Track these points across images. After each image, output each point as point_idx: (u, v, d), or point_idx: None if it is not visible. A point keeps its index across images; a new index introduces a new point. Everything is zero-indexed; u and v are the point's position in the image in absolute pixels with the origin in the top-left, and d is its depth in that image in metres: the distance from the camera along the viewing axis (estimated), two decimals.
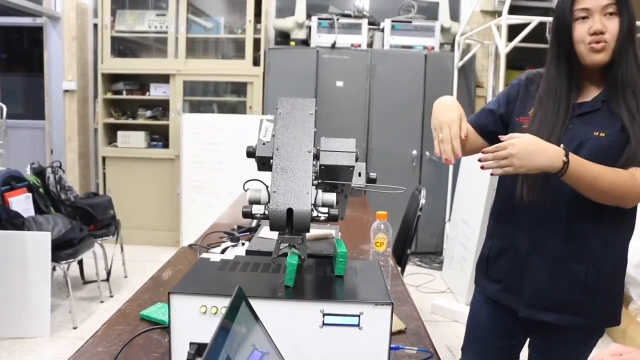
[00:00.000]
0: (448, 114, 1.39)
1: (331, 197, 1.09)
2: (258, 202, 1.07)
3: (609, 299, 1.45)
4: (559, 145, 1.28)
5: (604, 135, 1.34)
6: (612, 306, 1.47)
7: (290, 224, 1.02)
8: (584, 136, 1.36)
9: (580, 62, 1.38)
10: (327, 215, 1.06)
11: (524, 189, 1.41)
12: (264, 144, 1.13)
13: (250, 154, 1.14)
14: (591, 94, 1.42)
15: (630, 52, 1.34)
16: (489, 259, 1.59)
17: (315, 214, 1.05)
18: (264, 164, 1.13)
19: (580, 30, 1.35)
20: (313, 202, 1.05)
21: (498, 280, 1.56)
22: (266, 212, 1.03)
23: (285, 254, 1.08)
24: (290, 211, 1.01)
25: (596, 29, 1.31)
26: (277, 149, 1.08)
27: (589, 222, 1.38)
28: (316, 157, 1.11)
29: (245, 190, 1.10)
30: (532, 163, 1.24)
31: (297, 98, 1.15)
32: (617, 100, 1.35)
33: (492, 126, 1.55)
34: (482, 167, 1.31)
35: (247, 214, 1.07)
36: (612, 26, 1.32)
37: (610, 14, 1.32)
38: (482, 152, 1.29)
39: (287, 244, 1.06)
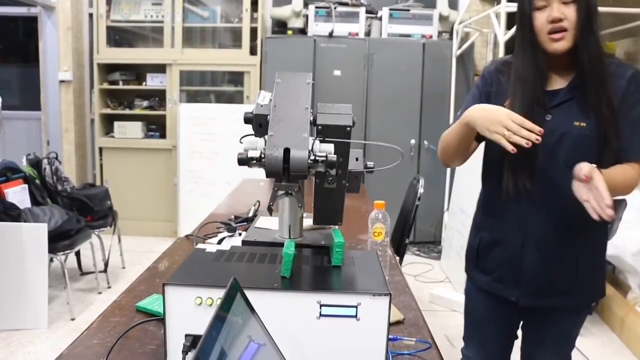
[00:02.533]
0: (497, 112, 1.31)
1: (329, 146, 1.07)
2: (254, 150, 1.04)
3: (597, 277, 1.53)
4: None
5: (584, 125, 1.36)
6: (598, 283, 1.54)
7: (287, 171, 0.99)
8: (565, 127, 1.38)
9: (544, 51, 1.39)
10: (324, 158, 1.03)
11: (510, 182, 1.43)
12: (261, 106, 1.13)
13: (248, 119, 1.13)
14: (562, 81, 1.42)
15: (592, 38, 1.34)
16: (479, 250, 1.61)
17: (312, 157, 1.02)
18: (261, 125, 1.11)
19: (540, 19, 1.36)
20: (310, 148, 1.02)
21: (490, 271, 1.58)
22: (262, 156, 1.00)
23: (282, 244, 1.06)
24: (287, 152, 0.98)
25: (554, 17, 1.33)
26: (275, 106, 1.09)
27: (577, 209, 1.37)
28: (313, 122, 1.10)
29: (242, 143, 1.08)
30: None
31: (295, 72, 1.17)
32: (588, 88, 1.36)
33: None
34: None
35: (243, 161, 1.04)
36: (570, 13, 1.33)
37: (567, 2, 1.33)
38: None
39: (283, 192, 1.01)
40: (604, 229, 1.53)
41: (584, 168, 1.26)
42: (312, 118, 1.11)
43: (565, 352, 1.64)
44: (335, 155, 1.04)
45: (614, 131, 1.34)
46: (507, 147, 1.26)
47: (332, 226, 1.49)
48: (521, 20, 1.42)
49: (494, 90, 1.50)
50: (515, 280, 1.51)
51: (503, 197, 1.47)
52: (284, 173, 0.99)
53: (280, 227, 1.35)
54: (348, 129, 1.12)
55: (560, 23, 1.33)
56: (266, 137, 1.02)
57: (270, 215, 1.13)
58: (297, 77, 1.18)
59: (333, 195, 1.27)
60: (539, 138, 1.24)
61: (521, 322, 1.68)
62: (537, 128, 1.25)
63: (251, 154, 1.03)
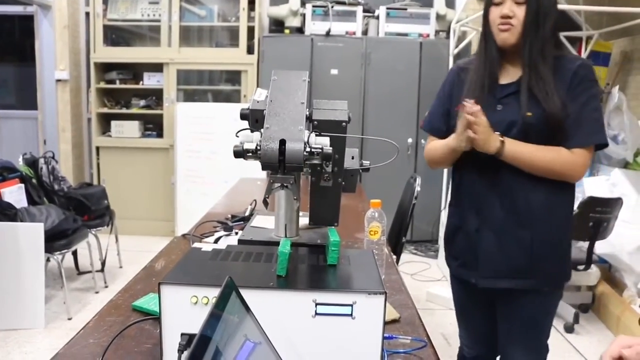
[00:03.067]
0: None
1: (324, 139, 1.06)
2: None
3: (556, 260, 1.58)
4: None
5: (530, 114, 1.47)
6: (560, 267, 1.60)
7: (282, 163, 0.99)
8: (513, 116, 1.50)
9: (496, 43, 1.53)
10: (320, 150, 1.03)
11: (464, 168, 1.62)
12: (258, 102, 1.14)
13: (244, 115, 1.14)
14: (514, 75, 1.54)
15: (536, 37, 1.47)
16: (447, 238, 1.75)
17: (308, 149, 1.02)
18: (257, 120, 1.13)
19: (494, 13, 1.52)
20: (306, 140, 1.02)
21: (456, 257, 1.72)
22: (258, 149, 1.00)
23: (278, 243, 1.06)
24: (282, 144, 0.98)
25: (503, 13, 1.48)
26: (271, 101, 1.10)
27: (529, 193, 1.52)
28: (309, 118, 1.12)
29: (238, 137, 1.09)
30: (485, 146, 1.47)
31: (291, 70, 1.20)
32: (529, 82, 1.48)
33: (445, 126, 1.69)
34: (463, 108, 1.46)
35: (239, 153, 1.04)
36: (519, 12, 1.47)
37: (519, 2, 1.47)
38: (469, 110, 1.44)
39: (279, 185, 1.00)
40: (562, 213, 1.57)
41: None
42: (308, 113, 1.12)
43: (536, 343, 1.67)
44: (331, 148, 1.04)
45: (557, 120, 1.45)
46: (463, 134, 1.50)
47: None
48: (483, 15, 1.57)
49: (455, 89, 1.64)
50: (475, 263, 1.62)
51: (461, 185, 1.64)
52: (279, 165, 0.99)
53: (276, 226, 1.35)
54: (344, 124, 1.13)
55: (509, 19, 1.48)
56: (262, 130, 1.02)
57: (266, 209, 1.13)
58: (293, 75, 1.19)
59: (329, 194, 1.27)
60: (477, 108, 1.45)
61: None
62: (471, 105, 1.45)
63: (247, 146, 1.03)
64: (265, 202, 1.04)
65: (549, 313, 1.65)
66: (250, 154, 1.04)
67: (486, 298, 1.70)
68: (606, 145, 1.52)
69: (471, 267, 1.64)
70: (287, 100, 1.11)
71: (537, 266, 1.55)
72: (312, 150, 1.03)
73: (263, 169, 1.01)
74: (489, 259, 1.58)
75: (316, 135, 1.08)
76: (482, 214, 1.58)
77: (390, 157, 1.31)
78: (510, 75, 1.55)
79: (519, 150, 1.47)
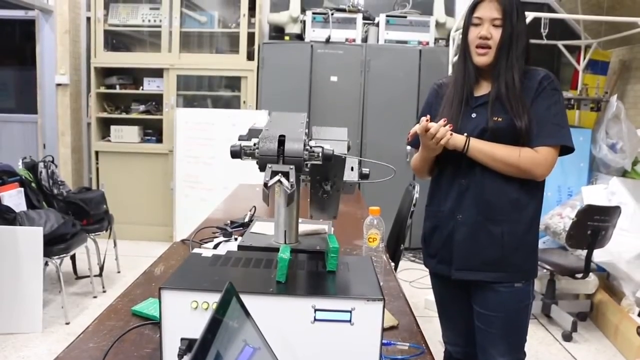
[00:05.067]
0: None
1: (325, 144, 1.05)
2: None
3: (526, 254, 1.69)
4: (459, 130, 1.64)
5: (500, 119, 1.61)
6: (529, 261, 1.71)
7: (281, 157, 0.98)
8: (485, 122, 1.63)
9: (474, 63, 1.67)
10: (321, 149, 1.02)
11: (440, 170, 1.76)
12: (256, 126, 1.16)
13: (235, 153, 1.11)
14: (487, 88, 1.69)
15: (510, 56, 1.62)
16: (425, 238, 1.85)
17: (308, 147, 1.01)
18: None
19: (473, 34, 1.65)
20: (306, 140, 1.02)
21: (434, 255, 1.81)
22: (256, 147, 0.98)
23: (277, 249, 1.07)
24: (282, 142, 0.97)
25: (482, 35, 1.62)
26: (271, 121, 1.12)
27: (499, 192, 1.65)
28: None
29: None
30: (452, 143, 1.62)
31: (290, 112, 1.22)
32: (503, 93, 1.62)
33: None
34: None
35: (236, 153, 1.02)
36: (496, 34, 1.61)
37: (496, 25, 1.61)
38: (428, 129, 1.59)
39: (276, 180, 0.96)
40: (530, 211, 1.68)
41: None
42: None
43: (514, 342, 1.73)
44: (331, 149, 1.04)
45: (523, 124, 1.58)
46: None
47: (327, 232, 1.50)
48: (462, 33, 1.71)
49: (434, 106, 1.80)
50: (450, 258, 1.73)
51: (438, 188, 1.77)
52: (278, 158, 0.97)
53: (276, 232, 1.35)
54: (343, 156, 1.12)
55: (487, 41, 1.61)
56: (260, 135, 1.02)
57: (267, 205, 1.11)
58: (291, 115, 1.22)
59: (329, 195, 1.28)
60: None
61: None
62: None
63: (245, 143, 1.02)
64: (265, 197, 0.97)
65: (524, 311, 1.72)
66: (248, 153, 1.02)
67: (463, 293, 1.79)
68: (571, 149, 1.64)
69: (446, 262, 1.74)
70: (286, 120, 1.13)
71: (507, 259, 1.66)
72: (313, 150, 1.02)
73: (260, 166, 0.98)
74: (463, 252, 1.70)
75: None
76: (456, 214, 1.70)
77: (390, 164, 1.32)
78: (483, 87, 1.70)
79: (481, 145, 1.62)
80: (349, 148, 1.15)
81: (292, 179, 0.95)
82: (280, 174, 0.95)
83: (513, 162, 1.60)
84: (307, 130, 1.12)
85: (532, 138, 1.61)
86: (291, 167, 0.97)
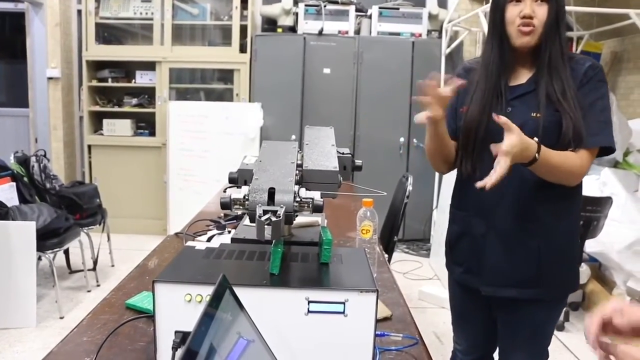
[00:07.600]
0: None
1: (315, 193, 1.05)
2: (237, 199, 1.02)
3: (565, 268, 1.53)
4: (491, 128, 1.39)
5: (540, 116, 1.42)
6: (568, 275, 1.56)
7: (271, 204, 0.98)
8: (523, 118, 1.42)
9: (511, 44, 1.46)
10: (311, 200, 1.02)
11: (468, 168, 1.53)
12: (247, 164, 1.16)
13: (233, 179, 1.15)
14: (524, 76, 1.49)
15: (557, 38, 1.42)
16: (451, 243, 1.68)
17: (298, 199, 1.01)
18: (246, 181, 1.12)
19: (512, 12, 1.43)
20: (297, 192, 1.01)
21: (460, 263, 1.65)
22: (246, 199, 0.98)
23: (270, 241, 1.07)
24: (272, 194, 0.97)
25: (526, 13, 1.40)
26: (260, 161, 1.11)
27: (537, 200, 1.46)
28: (299, 166, 1.12)
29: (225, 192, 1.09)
30: (518, 159, 1.30)
31: (282, 141, 1.25)
32: (547, 83, 1.42)
33: (454, 124, 1.62)
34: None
35: (226, 204, 1.01)
36: (541, 12, 1.41)
37: (541, 0, 1.41)
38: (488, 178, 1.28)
39: (267, 218, 0.94)
40: (570, 220, 1.54)
41: (500, 147, 1.28)
42: (299, 163, 1.13)
43: (539, 349, 1.64)
44: (322, 200, 1.02)
45: (567, 122, 1.39)
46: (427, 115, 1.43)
47: (320, 224, 1.51)
48: (494, 12, 1.48)
49: (461, 91, 1.53)
50: (479, 270, 1.56)
51: (466, 189, 1.54)
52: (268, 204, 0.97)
53: None
54: (335, 170, 1.11)
55: (531, 20, 1.40)
56: (250, 184, 1.01)
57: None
58: (282, 143, 1.24)
59: None
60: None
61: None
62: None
63: (235, 195, 1.01)
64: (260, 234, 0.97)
65: (553, 321, 1.62)
66: (238, 205, 1.01)
67: (486, 304, 1.65)
68: (612, 150, 1.43)
69: (475, 273, 1.58)
70: (277, 159, 1.11)
71: (544, 276, 1.50)
72: (303, 201, 1.01)
73: (250, 218, 0.97)
74: (495, 267, 1.53)
75: (306, 190, 1.05)
76: (488, 221, 1.52)
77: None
78: (520, 76, 1.50)
79: (550, 155, 1.35)
80: (339, 184, 1.12)
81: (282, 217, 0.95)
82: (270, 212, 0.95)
83: (577, 172, 1.41)
84: (297, 171, 1.10)
85: (574, 139, 1.40)
86: (282, 205, 0.96)
